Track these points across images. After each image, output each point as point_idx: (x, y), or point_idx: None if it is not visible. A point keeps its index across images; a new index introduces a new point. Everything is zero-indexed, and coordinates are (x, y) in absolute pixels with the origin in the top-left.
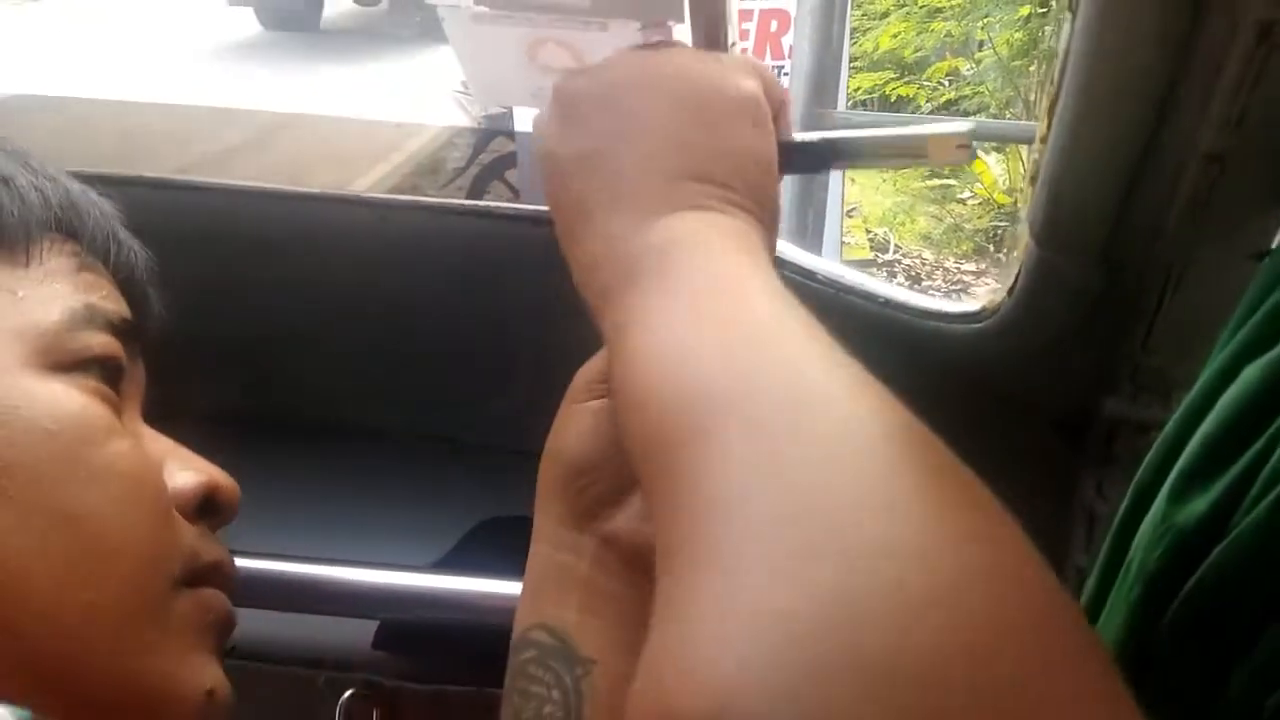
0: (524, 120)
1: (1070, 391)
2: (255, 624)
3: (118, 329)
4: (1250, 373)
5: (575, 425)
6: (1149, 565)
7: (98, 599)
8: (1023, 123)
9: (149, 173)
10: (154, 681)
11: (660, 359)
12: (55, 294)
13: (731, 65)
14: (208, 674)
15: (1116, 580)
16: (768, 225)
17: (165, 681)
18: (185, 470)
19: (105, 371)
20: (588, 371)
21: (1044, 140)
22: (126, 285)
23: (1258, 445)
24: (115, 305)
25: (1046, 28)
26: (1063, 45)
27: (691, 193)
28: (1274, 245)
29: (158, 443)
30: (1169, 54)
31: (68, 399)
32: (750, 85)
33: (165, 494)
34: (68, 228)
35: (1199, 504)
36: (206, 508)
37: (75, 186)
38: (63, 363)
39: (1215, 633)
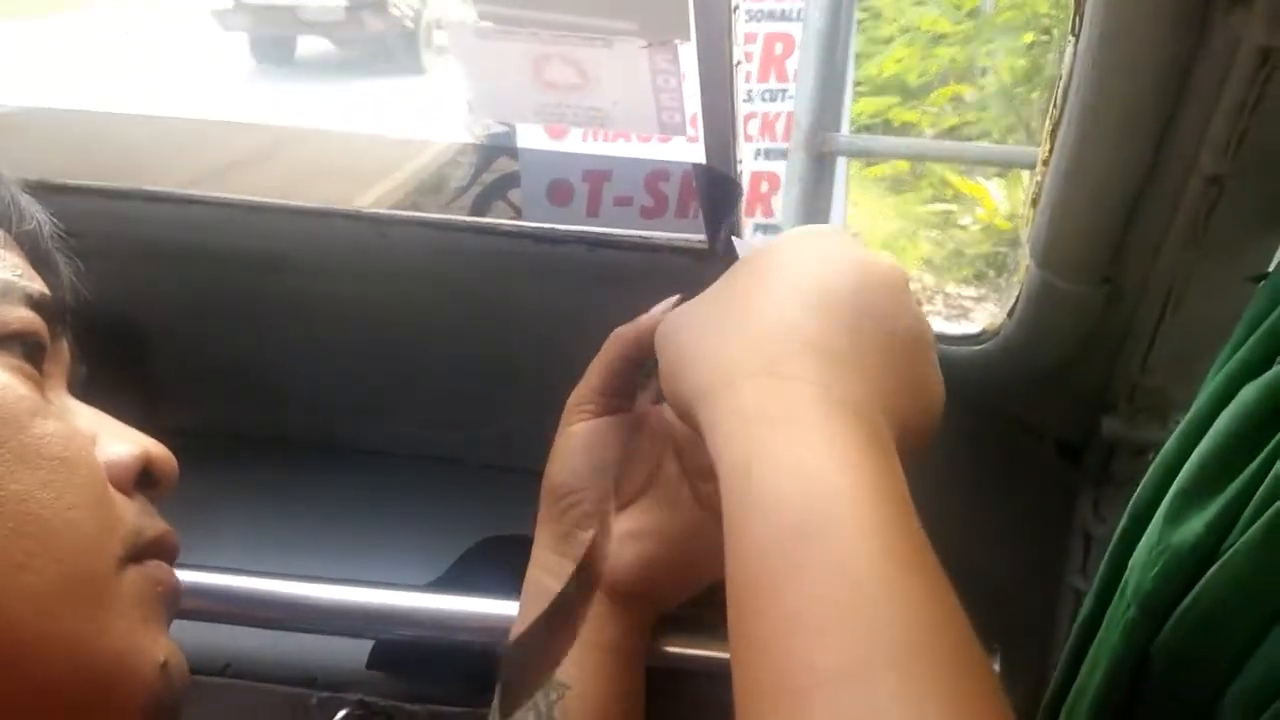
0: (527, 138)
1: (1070, 412)
2: (249, 642)
3: (37, 304)
4: (1247, 393)
5: (562, 447)
6: (1144, 586)
7: (39, 584)
8: (1023, 148)
9: (149, 186)
10: (107, 661)
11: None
12: None
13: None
14: (160, 646)
15: (1112, 600)
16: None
17: (118, 660)
18: (119, 443)
19: (26, 348)
20: (575, 395)
21: (1045, 163)
22: (34, 256)
23: (1254, 466)
24: (30, 280)
25: (1049, 55)
26: (1065, 68)
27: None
28: (1272, 267)
29: (87, 418)
30: (1171, 77)
31: None
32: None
33: (100, 471)
34: None
35: (1195, 524)
36: (144, 480)
37: None
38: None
39: (1208, 654)
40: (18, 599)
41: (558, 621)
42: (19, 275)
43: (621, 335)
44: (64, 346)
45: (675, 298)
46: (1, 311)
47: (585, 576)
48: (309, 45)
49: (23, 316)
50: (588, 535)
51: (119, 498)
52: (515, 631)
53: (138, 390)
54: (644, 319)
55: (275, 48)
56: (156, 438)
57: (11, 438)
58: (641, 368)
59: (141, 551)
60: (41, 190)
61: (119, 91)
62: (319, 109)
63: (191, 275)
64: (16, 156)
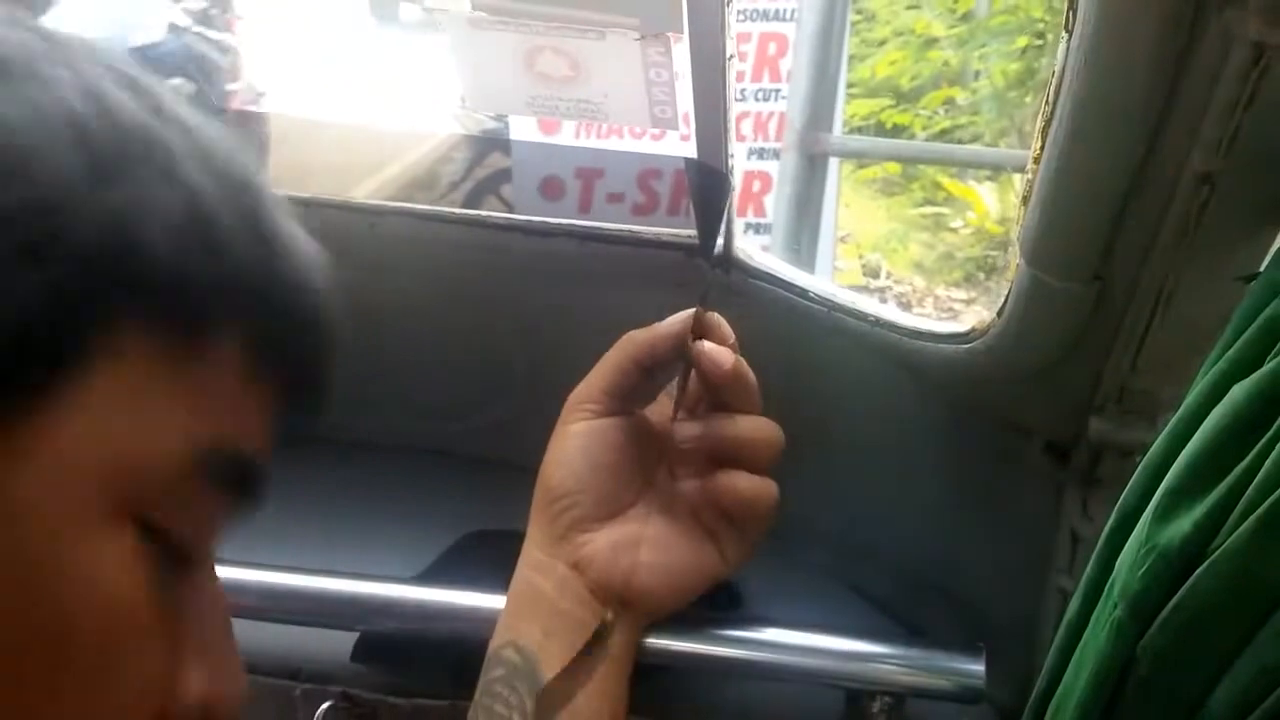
0: (519, 131)
1: (1059, 412)
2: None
3: (244, 470)
4: (1238, 392)
5: (560, 446)
6: (1131, 586)
7: None
8: (1015, 151)
9: None
10: None
11: None
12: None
13: None
14: None
15: (1099, 600)
16: None
17: None
18: (199, 669)
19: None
20: (578, 393)
21: (1036, 160)
22: (295, 391)
23: (1243, 465)
24: (255, 440)
25: (1043, 59)
26: (1058, 64)
27: None
28: (1263, 267)
29: (193, 620)
30: (1164, 73)
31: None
32: None
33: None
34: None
35: (1183, 524)
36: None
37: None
38: (148, 520)
39: (1196, 654)
40: None
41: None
42: (249, 431)
43: (634, 339)
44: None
45: (692, 310)
46: (192, 491)
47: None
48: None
49: (211, 501)
50: (589, 537)
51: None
52: (498, 626)
53: None
54: (660, 326)
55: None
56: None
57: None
58: (649, 374)
59: None
60: None
61: None
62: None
63: None
64: None
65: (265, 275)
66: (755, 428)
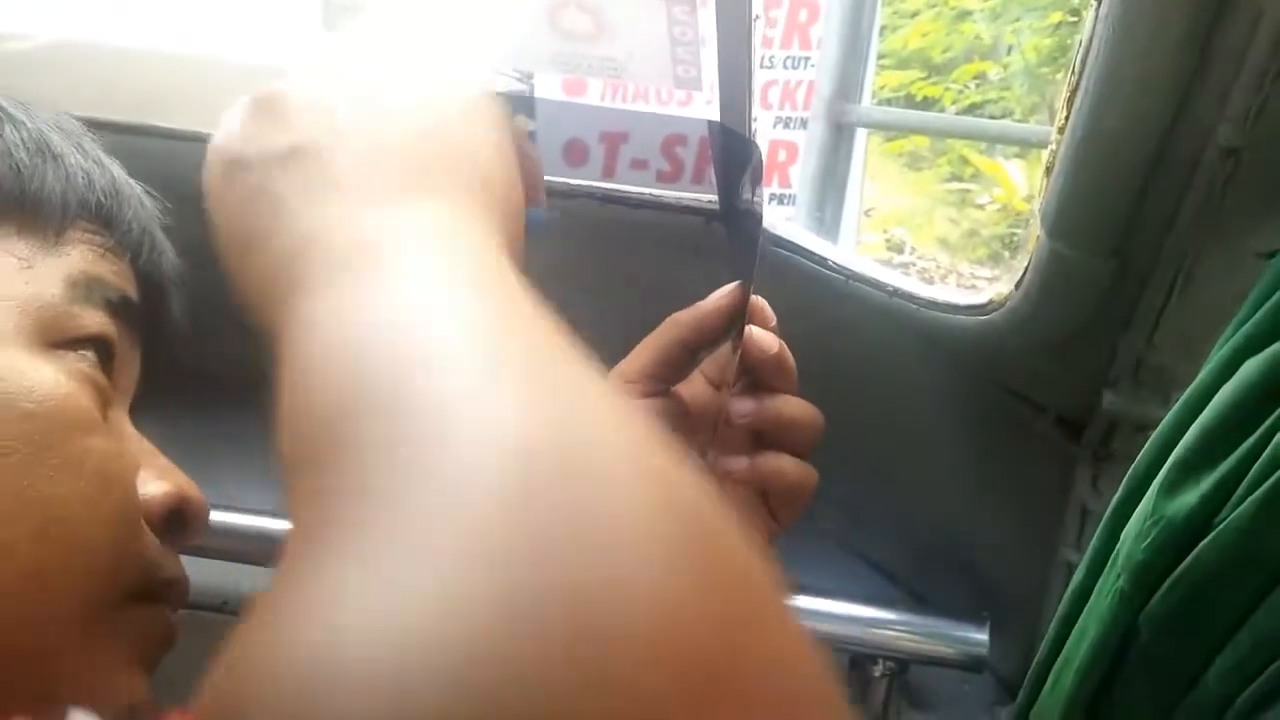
0: (544, 91)
1: (1073, 386)
2: (248, 580)
3: (116, 308)
4: (1250, 367)
5: None
6: (1136, 556)
7: (47, 596)
8: (1044, 127)
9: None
10: (86, 686)
11: (340, 360)
12: (64, 269)
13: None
14: (135, 690)
15: (1104, 570)
16: (502, 215)
17: (96, 689)
18: (159, 479)
19: (99, 353)
20: (621, 372)
21: (1061, 130)
22: (148, 282)
23: (1252, 440)
24: (120, 283)
25: (1076, 36)
26: (1085, 34)
27: (414, 184)
28: None
29: (137, 444)
30: (1191, 46)
31: (54, 383)
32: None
33: (135, 499)
34: (104, 216)
35: (1190, 496)
36: (173, 521)
37: (122, 175)
38: (57, 341)
39: (1197, 625)
40: (26, 600)
41: None
42: (113, 274)
43: (680, 321)
44: (136, 362)
45: (733, 286)
46: (81, 313)
47: None
48: None
49: (100, 320)
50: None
51: (145, 532)
52: None
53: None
54: (705, 308)
55: None
56: (164, 375)
57: (61, 444)
58: (693, 355)
59: (153, 590)
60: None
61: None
62: None
63: (200, 216)
64: (48, 89)
65: (106, 194)
66: (802, 409)
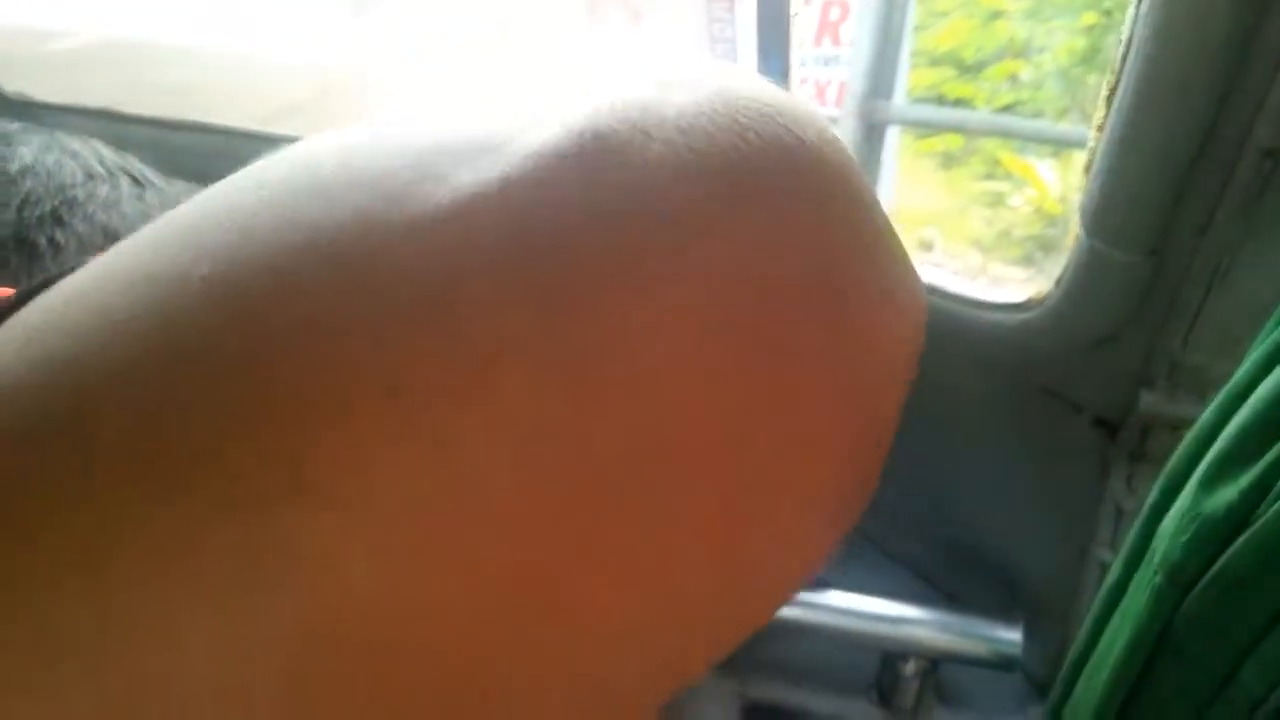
0: None
1: (1109, 386)
2: None
3: None
4: None
5: None
6: (1173, 553)
7: None
8: (1078, 128)
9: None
10: None
11: None
12: None
13: None
14: None
15: (1139, 568)
16: None
17: None
18: None
19: None
20: None
21: (1100, 129)
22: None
23: None
24: None
25: (1109, 37)
26: (1125, 32)
27: None
28: None
29: None
30: (1232, 45)
31: None
32: None
33: None
34: None
35: (1228, 492)
36: None
37: None
38: None
39: (1232, 622)
40: None
41: None
42: None
43: None
44: None
45: None
46: None
47: None
48: None
49: None
50: None
51: None
52: None
53: None
54: None
55: None
56: None
57: None
58: None
59: None
60: (103, 118)
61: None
62: None
63: None
64: (89, 84)
65: None
66: None
